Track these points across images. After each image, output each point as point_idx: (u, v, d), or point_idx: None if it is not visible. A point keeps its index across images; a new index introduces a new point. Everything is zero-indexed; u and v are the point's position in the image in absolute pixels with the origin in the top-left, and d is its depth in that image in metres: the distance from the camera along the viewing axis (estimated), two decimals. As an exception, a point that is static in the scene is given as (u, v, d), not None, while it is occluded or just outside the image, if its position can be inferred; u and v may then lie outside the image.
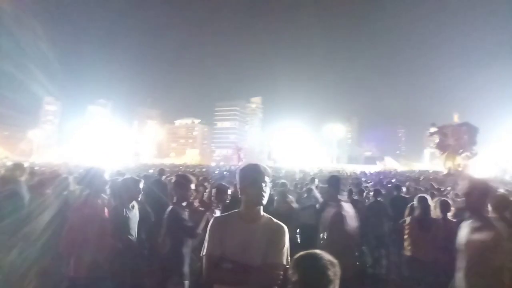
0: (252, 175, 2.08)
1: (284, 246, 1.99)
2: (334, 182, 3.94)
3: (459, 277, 2.65)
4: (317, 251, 1.64)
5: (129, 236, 3.40)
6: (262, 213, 2.08)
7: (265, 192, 2.06)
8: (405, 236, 4.69)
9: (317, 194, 7.04)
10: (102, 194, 3.36)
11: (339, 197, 3.70)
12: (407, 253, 4.63)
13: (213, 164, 55.87)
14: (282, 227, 2.05)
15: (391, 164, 62.90)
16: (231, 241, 1.97)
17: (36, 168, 14.35)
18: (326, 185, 4.18)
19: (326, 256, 1.59)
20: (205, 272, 1.98)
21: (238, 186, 2.12)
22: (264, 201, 2.06)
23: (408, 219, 4.75)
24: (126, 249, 3.32)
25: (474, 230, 2.62)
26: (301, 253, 1.63)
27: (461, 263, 2.63)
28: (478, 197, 2.69)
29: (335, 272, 1.55)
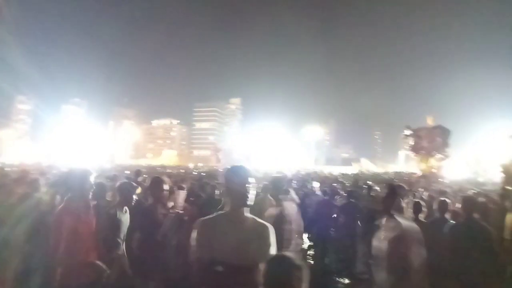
0: (238, 177, 2.09)
1: (270, 245, 2.02)
2: (276, 183, 4.08)
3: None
4: (286, 254, 1.68)
5: (119, 240, 3.33)
6: (247, 214, 2.11)
7: (249, 193, 2.08)
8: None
9: (294, 195, 6.90)
10: (86, 198, 3.11)
11: (281, 197, 3.78)
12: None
13: (191, 165, 55.40)
14: (268, 227, 2.08)
15: (367, 166, 64.08)
16: (220, 243, 1.97)
17: (6, 168, 13.81)
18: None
19: (294, 259, 1.61)
20: (196, 276, 1.98)
21: (223, 187, 2.22)
22: (249, 202, 2.08)
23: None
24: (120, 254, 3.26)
25: (386, 228, 2.99)
26: (271, 256, 1.65)
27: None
28: (388, 198, 3.15)
29: (301, 275, 1.57)
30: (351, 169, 46.69)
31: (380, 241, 2.95)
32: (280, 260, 1.65)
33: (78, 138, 66.97)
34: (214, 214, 2.15)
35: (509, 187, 12.83)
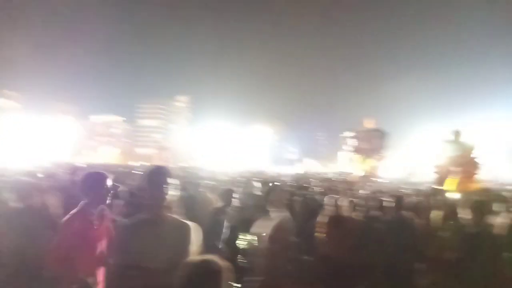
0: (156, 178, 2.09)
1: (189, 244, 2.02)
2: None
3: None
4: (206, 257, 1.63)
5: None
6: (168, 215, 2.08)
7: (167, 194, 2.06)
8: (318, 235, 4.88)
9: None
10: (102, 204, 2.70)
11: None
12: (320, 251, 4.81)
13: (134, 163, 53.32)
14: (187, 225, 2.08)
15: (311, 166, 66.05)
16: (137, 247, 1.92)
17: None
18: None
19: (212, 263, 1.56)
20: (114, 281, 1.97)
21: (143, 189, 2.20)
22: (169, 203, 2.08)
23: (321, 218, 4.95)
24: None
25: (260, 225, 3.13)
26: (189, 258, 1.61)
27: None
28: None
29: (217, 279, 1.51)
30: (296, 169, 47.78)
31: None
32: (199, 263, 1.58)
33: (13, 133, 61.79)
34: (134, 218, 2.12)
35: (438, 187, 13.82)
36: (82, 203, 2.66)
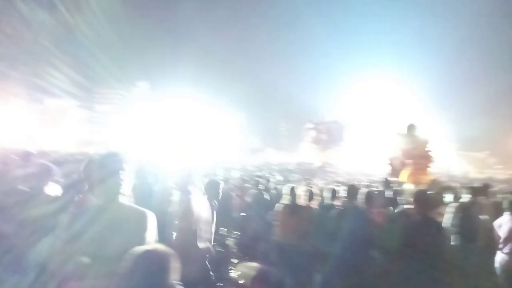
0: (110, 164, 2.03)
1: (145, 232, 1.96)
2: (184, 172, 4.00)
3: None
4: (151, 245, 1.64)
5: None
6: (122, 202, 2.02)
7: (123, 180, 2.01)
8: (275, 223, 4.98)
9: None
10: None
11: (190, 188, 3.65)
12: (276, 238, 4.90)
13: (90, 150, 51.05)
14: (144, 213, 2.01)
15: (274, 156, 66.63)
16: (91, 234, 1.88)
17: None
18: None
19: (160, 251, 1.54)
20: (62, 269, 1.87)
21: (96, 176, 2.07)
22: (124, 190, 2.02)
23: (279, 206, 5.05)
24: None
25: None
26: (136, 247, 1.57)
27: None
28: None
29: (165, 268, 1.49)
30: (258, 159, 48.01)
31: None
32: (141, 253, 1.54)
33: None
34: (90, 205, 2.05)
35: (392, 178, 14.40)
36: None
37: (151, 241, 1.94)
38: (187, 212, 3.30)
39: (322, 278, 4.39)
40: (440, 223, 3.63)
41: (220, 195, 4.64)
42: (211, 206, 4.40)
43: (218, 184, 4.71)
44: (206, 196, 4.48)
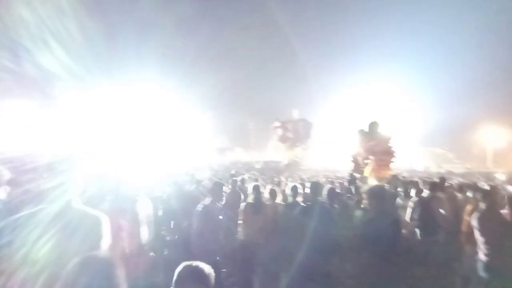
0: (62, 168, 1.97)
1: (98, 237, 1.89)
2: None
3: None
4: (94, 253, 1.56)
5: None
6: (74, 206, 1.94)
7: (76, 184, 1.96)
8: (239, 221, 4.86)
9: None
10: None
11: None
12: (241, 237, 4.79)
13: (41, 152, 48.61)
14: (97, 218, 1.94)
15: (241, 155, 66.60)
16: (43, 239, 1.78)
17: None
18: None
19: (101, 258, 1.49)
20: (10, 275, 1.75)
21: (46, 180, 1.98)
22: (76, 193, 1.95)
23: (243, 205, 4.94)
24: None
25: None
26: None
27: None
28: None
29: (110, 277, 1.44)
30: (226, 158, 47.75)
31: None
32: (85, 261, 1.47)
33: None
34: (35, 209, 1.91)
35: (356, 174, 14.65)
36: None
37: (104, 245, 1.88)
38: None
39: (288, 276, 4.32)
40: (396, 217, 3.62)
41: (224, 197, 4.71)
42: (217, 207, 4.33)
43: (222, 186, 4.79)
44: (211, 198, 4.38)
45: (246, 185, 7.31)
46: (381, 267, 3.11)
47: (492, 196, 4.20)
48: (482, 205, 4.14)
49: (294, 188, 4.75)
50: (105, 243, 1.90)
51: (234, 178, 7.86)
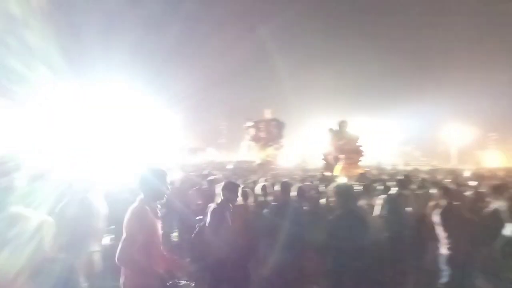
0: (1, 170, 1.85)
1: (41, 240, 1.83)
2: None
3: None
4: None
5: None
6: (15, 210, 1.85)
7: (16, 187, 1.87)
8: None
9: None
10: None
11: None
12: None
13: None
14: (40, 221, 1.88)
15: (213, 155, 66.19)
16: None
17: None
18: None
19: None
20: None
21: None
22: (17, 197, 1.87)
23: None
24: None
25: None
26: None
27: None
28: None
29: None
30: (198, 159, 47.30)
31: None
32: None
33: None
34: None
35: (327, 173, 14.87)
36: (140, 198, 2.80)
37: (48, 248, 1.84)
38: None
39: (260, 275, 4.33)
40: (362, 215, 3.71)
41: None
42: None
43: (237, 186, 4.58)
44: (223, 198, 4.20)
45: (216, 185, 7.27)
46: (349, 264, 3.17)
47: (451, 192, 4.39)
48: (443, 202, 4.32)
49: (264, 188, 4.77)
50: (47, 245, 1.86)
51: (209, 179, 7.80)
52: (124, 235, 2.63)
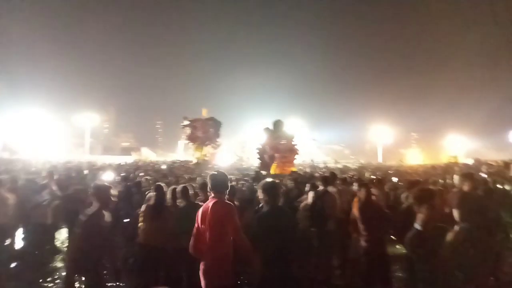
0: None
1: None
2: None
3: None
4: None
5: None
6: None
7: None
8: (139, 224, 4.70)
9: (54, 187, 6.73)
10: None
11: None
12: (140, 240, 4.64)
13: None
14: None
15: (148, 155, 64.00)
16: None
17: None
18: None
19: None
20: None
21: None
22: None
23: (143, 207, 4.79)
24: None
25: None
26: None
27: None
28: None
29: None
30: (131, 159, 45.39)
31: None
32: None
33: None
34: None
35: (262, 171, 15.13)
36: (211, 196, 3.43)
37: None
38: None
39: (190, 277, 4.31)
40: (290, 212, 3.87)
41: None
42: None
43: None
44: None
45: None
46: (278, 259, 3.28)
47: (368, 187, 4.75)
48: (362, 196, 4.67)
49: (183, 190, 4.80)
50: None
51: (138, 180, 7.57)
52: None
